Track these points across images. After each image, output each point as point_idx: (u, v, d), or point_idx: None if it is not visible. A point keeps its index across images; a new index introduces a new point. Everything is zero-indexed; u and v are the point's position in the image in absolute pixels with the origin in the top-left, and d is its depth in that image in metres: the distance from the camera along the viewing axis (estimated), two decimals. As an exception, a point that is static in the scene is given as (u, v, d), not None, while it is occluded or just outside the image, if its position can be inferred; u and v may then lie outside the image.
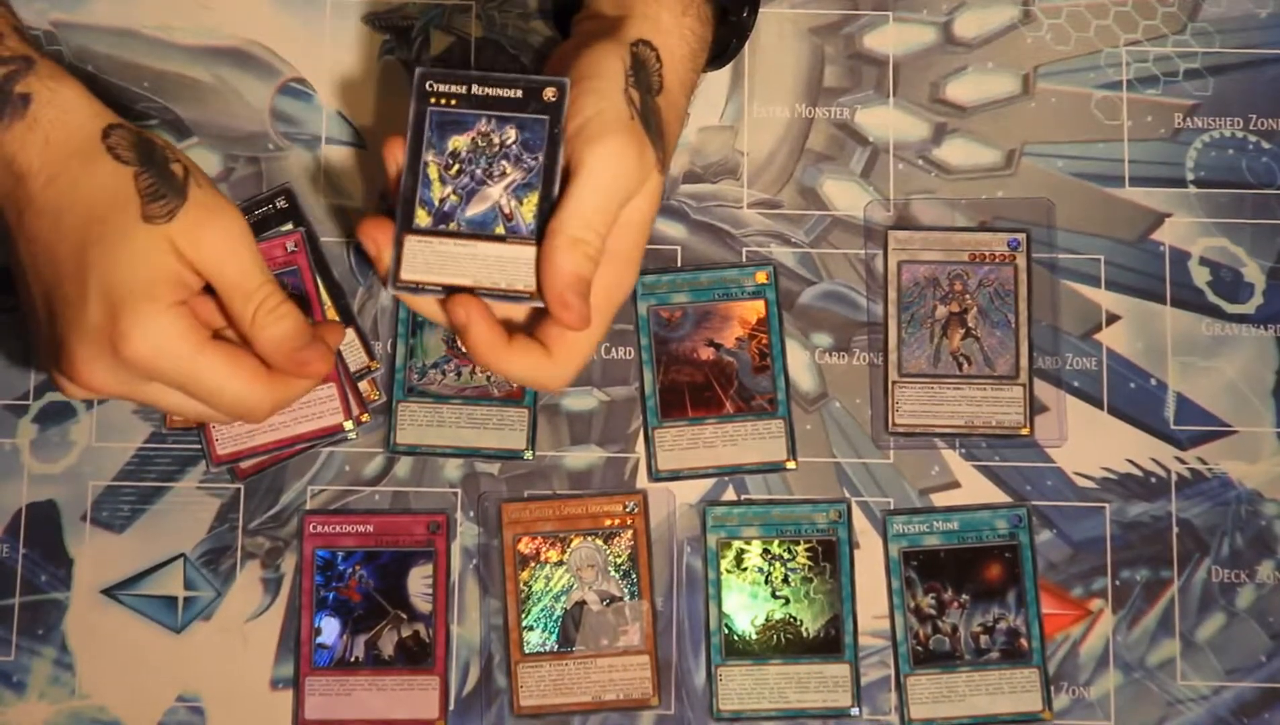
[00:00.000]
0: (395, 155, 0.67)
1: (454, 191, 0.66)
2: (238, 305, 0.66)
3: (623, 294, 0.68)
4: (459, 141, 0.67)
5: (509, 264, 0.66)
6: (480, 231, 0.66)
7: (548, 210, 0.65)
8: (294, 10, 0.84)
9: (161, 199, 0.65)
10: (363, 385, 0.80)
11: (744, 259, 0.82)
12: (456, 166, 0.67)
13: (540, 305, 0.65)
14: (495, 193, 0.66)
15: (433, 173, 0.66)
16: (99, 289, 0.63)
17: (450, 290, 0.65)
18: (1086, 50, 0.84)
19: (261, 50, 0.83)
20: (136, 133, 0.66)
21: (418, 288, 0.65)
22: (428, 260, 0.66)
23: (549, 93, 0.67)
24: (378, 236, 0.66)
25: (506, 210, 0.66)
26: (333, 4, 0.84)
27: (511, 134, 0.67)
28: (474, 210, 0.66)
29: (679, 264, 0.81)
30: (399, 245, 0.66)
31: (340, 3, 0.84)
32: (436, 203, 0.66)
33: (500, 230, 0.66)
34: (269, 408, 0.67)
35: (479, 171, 0.67)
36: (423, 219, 0.66)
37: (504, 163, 0.66)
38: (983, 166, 0.82)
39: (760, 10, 0.78)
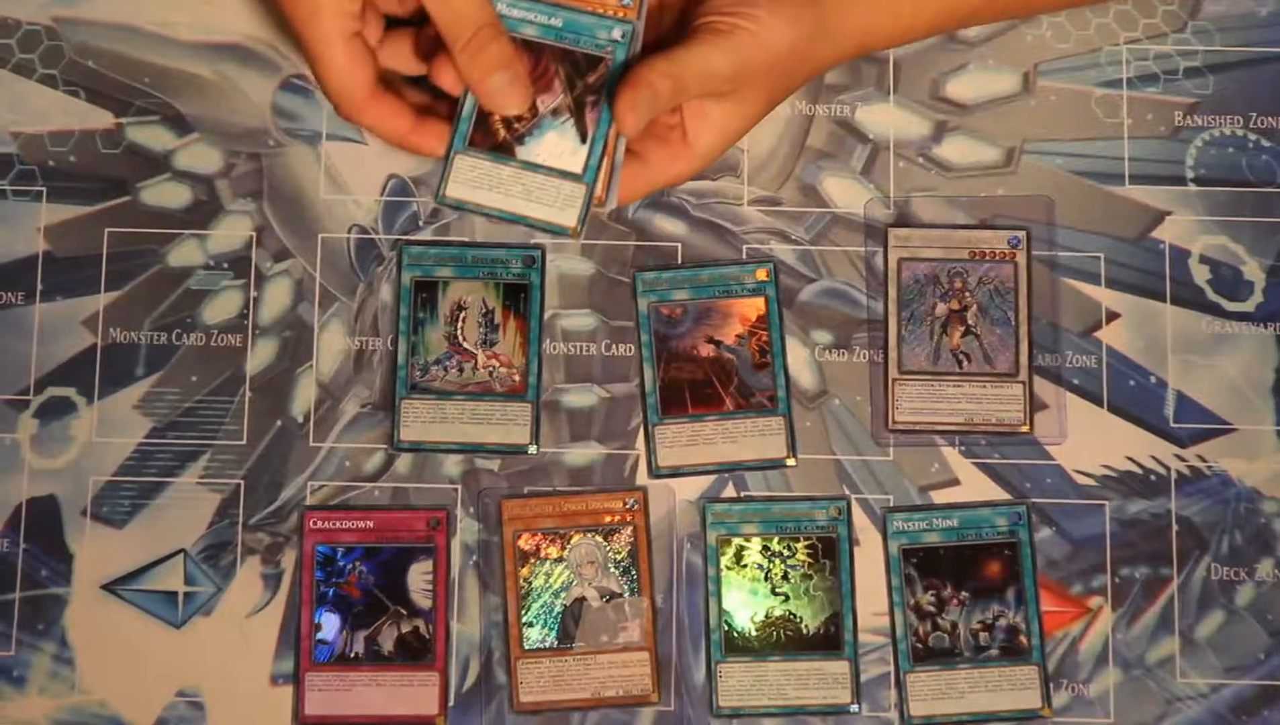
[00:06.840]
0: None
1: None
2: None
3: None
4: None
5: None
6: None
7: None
8: (295, 6, 0.83)
9: None
10: None
11: (744, 256, 0.82)
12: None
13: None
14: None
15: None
16: None
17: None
18: (1087, 48, 0.84)
19: (263, 46, 0.83)
20: None
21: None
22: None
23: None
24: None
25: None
26: None
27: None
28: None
29: (679, 261, 0.82)
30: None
31: (341, -1, 0.83)
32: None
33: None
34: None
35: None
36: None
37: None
38: (983, 164, 0.82)
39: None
